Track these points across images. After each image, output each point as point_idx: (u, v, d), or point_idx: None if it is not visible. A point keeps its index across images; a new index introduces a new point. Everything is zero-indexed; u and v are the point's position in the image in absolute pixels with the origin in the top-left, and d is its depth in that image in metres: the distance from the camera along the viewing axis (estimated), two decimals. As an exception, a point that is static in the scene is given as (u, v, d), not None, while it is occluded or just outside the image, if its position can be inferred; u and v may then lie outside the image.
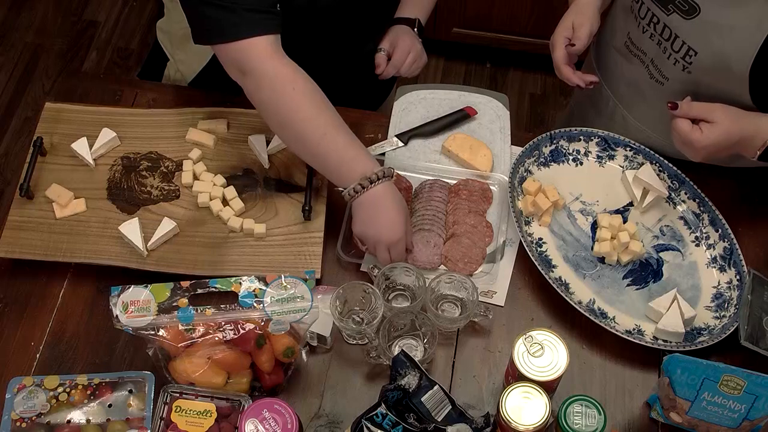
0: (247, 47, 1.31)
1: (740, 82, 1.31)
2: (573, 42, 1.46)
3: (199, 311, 1.22)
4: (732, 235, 1.46)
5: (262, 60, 1.31)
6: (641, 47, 1.46)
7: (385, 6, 1.67)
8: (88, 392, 1.26)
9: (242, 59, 1.32)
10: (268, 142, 1.52)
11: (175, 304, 1.22)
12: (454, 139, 1.58)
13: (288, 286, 1.23)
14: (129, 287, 1.22)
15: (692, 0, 1.31)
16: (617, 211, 1.52)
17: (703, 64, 1.34)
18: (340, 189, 1.35)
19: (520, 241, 1.43)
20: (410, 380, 1.18)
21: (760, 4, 1.25)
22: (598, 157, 1.57)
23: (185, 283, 1.24)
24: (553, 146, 1.56)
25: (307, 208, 1.45)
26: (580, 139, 1.57)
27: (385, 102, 1.92)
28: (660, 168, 1.53)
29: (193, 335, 1.22)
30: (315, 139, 1.32)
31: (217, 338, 1.22)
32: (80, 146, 1.52)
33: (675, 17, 1.34)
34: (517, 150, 1.56)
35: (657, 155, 1.54)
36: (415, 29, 1.68)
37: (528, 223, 1.49)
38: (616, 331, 1.35)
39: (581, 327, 1.39)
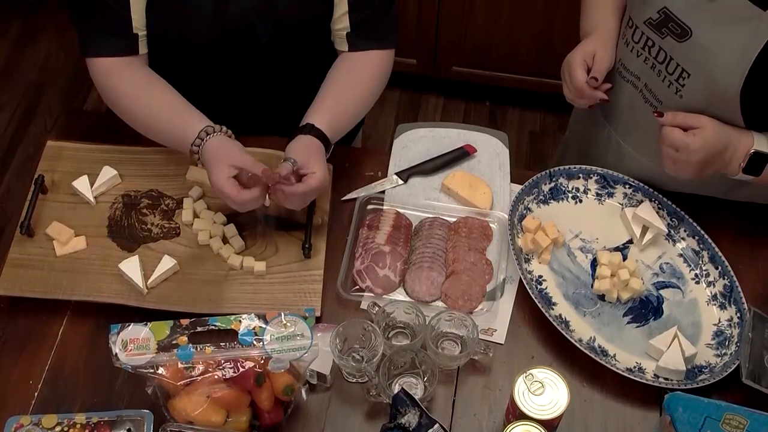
0: (94, 64, 1.49)
1: (732, 105, 1.33)
2: (594, 75, 1.45)
3: (198, 349, 1.22)
4: (732, 273, 1.46)
5: (103, 75, 1.49)
6: (634, 72, 1.47)
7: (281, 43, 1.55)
8: (87, 431, 1.25)
9: (92, 73, 1.50)
10: (268, 180, 1.53)
11: (174, 341, 1.22)
12: (454, 176, 1.59)
13: (288, 323, 1.23)
14: (128, 325, 1.22)
15: (684, 24, 1.33)
16: (617, 249, 1.52)
17: (696, 86, 1.35)
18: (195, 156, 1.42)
19: (520, 278, 1.43)
20: (410, 418, 1.18)
21: (745, 30, 1.27)
22: (598, 194, 1.58)
23: (185, 321, 1.23)
24: (553, 184, 1.57)
25: (307, 245, 1.45)
26: (579, 177, 1.58)
27: (355, 140, 1.90)
28: (659, 205, 1.54)
29: (193, 373, 1.22)
30: (147, 124, 1.49)
31: (216, 376, 1.22)
32: (81, 184, 1.53)
33: (669, 40, 1.36)
34: (517, 188, 1.56)
35: (656, 192, 1.54)
36: (328, 154, 1.45)
37: (528, 261, 1.49)
38: (617, 368, 1.35)
39: (582, 365, 1.38)
